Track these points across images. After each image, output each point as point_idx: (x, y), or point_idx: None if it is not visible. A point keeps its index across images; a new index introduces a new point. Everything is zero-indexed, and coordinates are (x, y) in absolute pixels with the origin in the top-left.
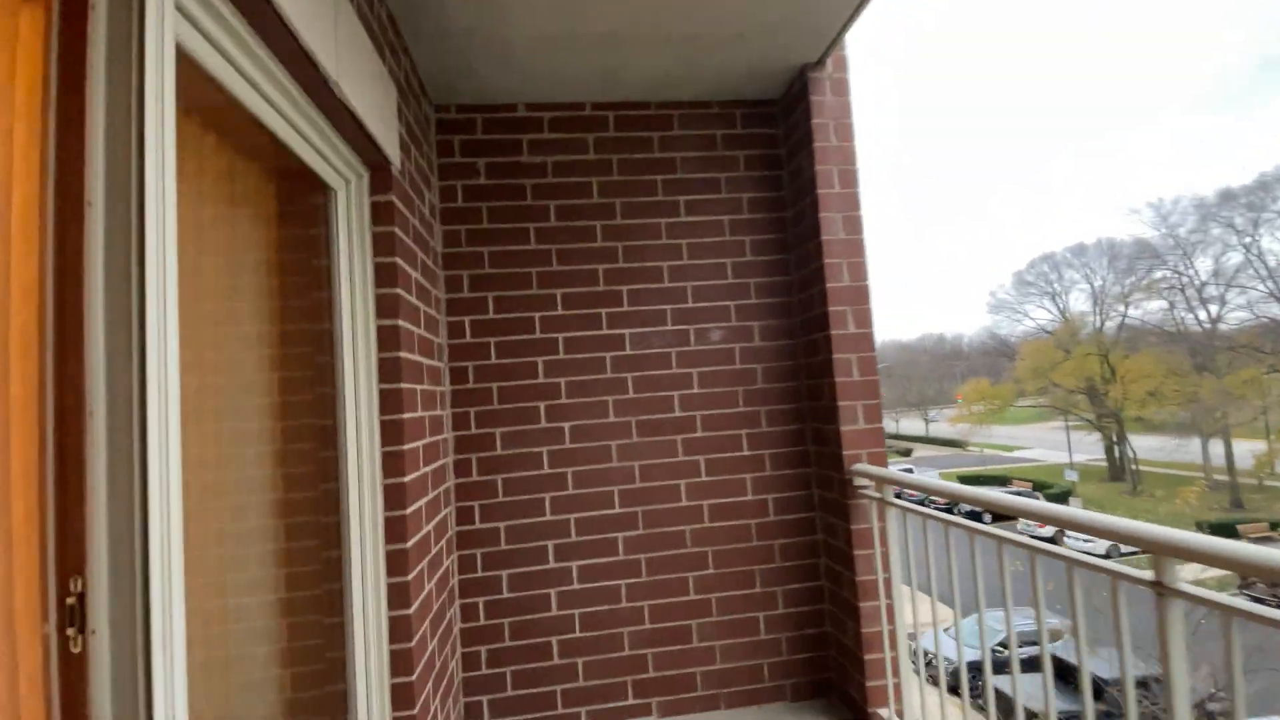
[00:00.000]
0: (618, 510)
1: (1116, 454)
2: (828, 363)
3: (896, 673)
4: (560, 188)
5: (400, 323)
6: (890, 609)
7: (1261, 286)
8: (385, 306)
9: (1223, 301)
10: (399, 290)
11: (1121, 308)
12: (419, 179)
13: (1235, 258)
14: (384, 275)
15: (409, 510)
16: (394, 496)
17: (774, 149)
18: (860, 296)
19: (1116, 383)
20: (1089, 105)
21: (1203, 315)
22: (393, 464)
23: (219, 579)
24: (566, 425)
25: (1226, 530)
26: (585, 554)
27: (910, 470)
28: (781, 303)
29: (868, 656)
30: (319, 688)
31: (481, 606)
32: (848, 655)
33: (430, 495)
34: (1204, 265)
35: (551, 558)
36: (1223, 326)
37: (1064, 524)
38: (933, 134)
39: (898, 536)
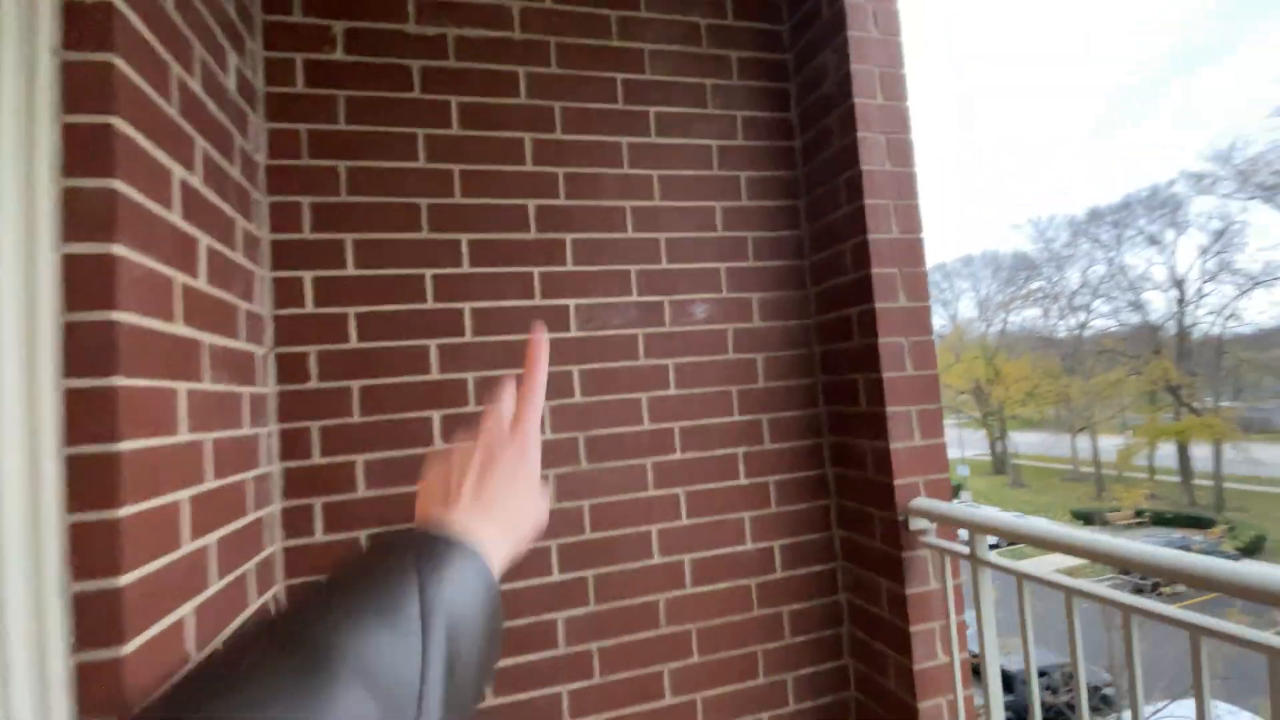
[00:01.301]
0: (556, 578)
1: (999, 449)
2: (869, 350)
3: None
4: (469, 77)
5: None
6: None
7: (1122, 296)
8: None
9: (1088, 310)
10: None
11: (1003, 315)
12: (211, 19)
13: (1101, 270)
14: (81, 150)
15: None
16: (95, 556)
17: (777, 52)
18: (913, 255)
19: (999, 384)
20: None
21: (1072, 322)
22: (95, 482)
23: None
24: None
25: (1089, 517)
26: (504, 653)
27: None
28: (790, 267)
29: None
30: None
31: None
32: None
33: (221, 583)
34: (1074, 277)
35: None
36: (1088, 332)
37: None
38: None
39: (994, 611)
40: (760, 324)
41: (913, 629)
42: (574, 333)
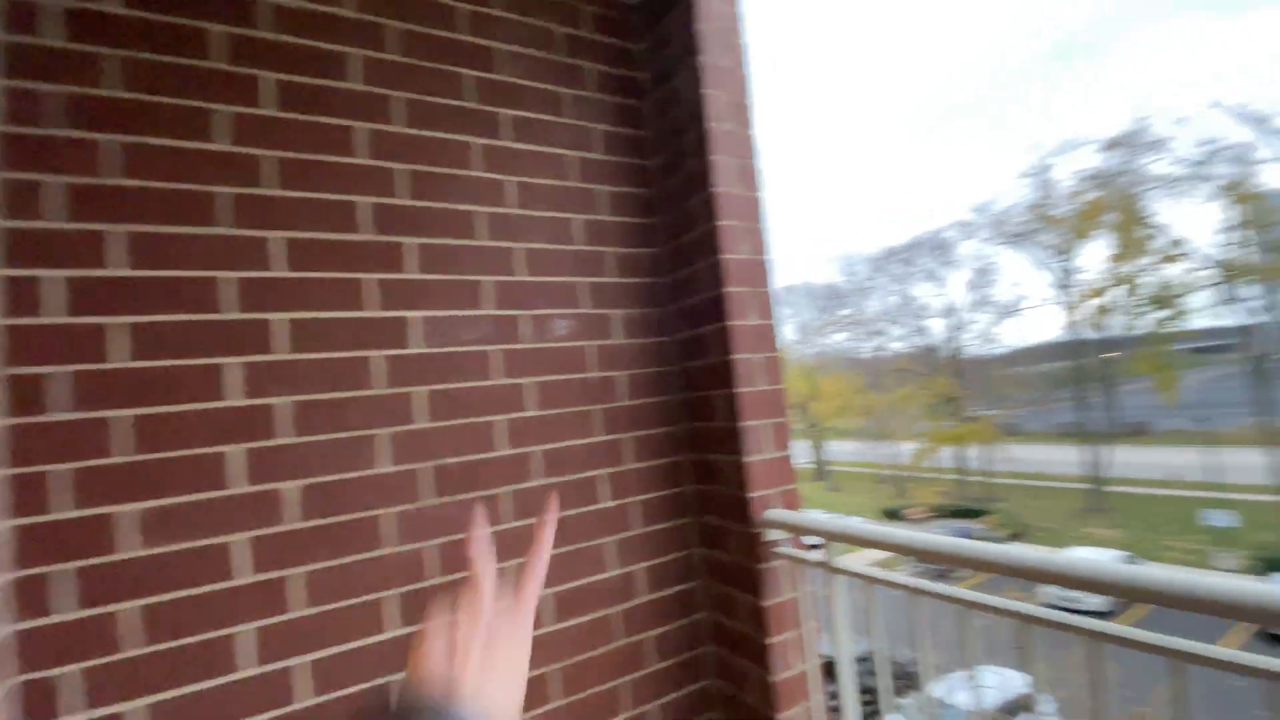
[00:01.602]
0: (400, 632)
1: (819, 458)
2: (724, 367)
3: None
4: (287, 52)
5: None
6: None
7: (911, 323)
8: None
9: (886, 334)
10: None
11: (819, 338)
12: None
13: (894, 300)
14: None
15: None
16: None
17: (633, 69)
18: (763, 275)
19: (818, 399)
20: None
21: (874, 344)
22: None
23: None
24: (294, 487)
25: (895, 514)
26: None
27: None
28: (650, 284)
29: None
30: None
31: None
32: None
33: None
34: (874, 306)
35: None
36: (886, 353)
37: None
38: None
39: (848, 616)
40: (622, 341)
41: (771, 640)
42: (419, 348)
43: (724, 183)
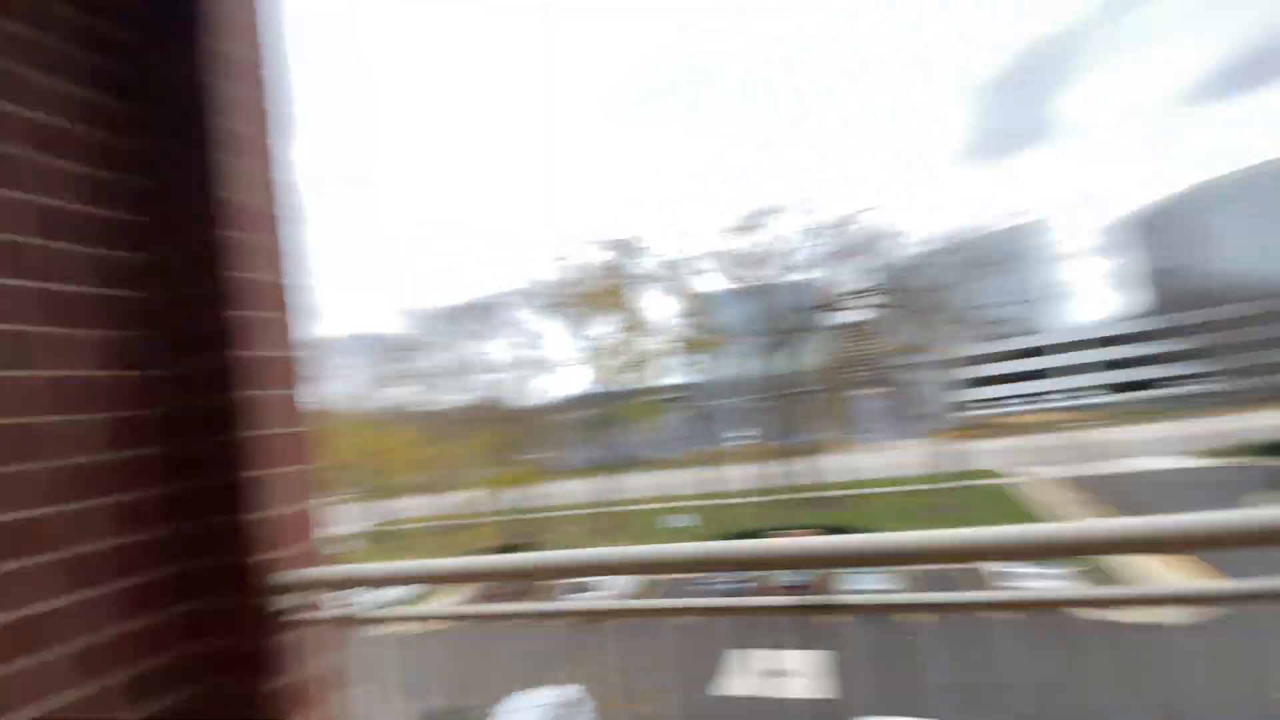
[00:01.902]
0: None
1: (382, 518)
2: (227, 407)
3: None
4: None
5: None
6: None
7: (471, 377)
8: None
9: (448, 387)
10: None
11: (386, 390)
12: None
13: (457, 356)
14: None
15: None
16: None
17: (122, 29)
18: (282, 300)
19: (384, 454)
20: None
21: (437, 397)
22: None
23: None
24: None
25: None
26: None
27: None
28: (134, 299)
29: None
30: None
31: None
32: None
33: None
34: (438, 360)
35: None
36: (448, 406)
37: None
38: None
39: (393, 672)
40: (81, 372)
41: None
42: None
43: (235, 189)
